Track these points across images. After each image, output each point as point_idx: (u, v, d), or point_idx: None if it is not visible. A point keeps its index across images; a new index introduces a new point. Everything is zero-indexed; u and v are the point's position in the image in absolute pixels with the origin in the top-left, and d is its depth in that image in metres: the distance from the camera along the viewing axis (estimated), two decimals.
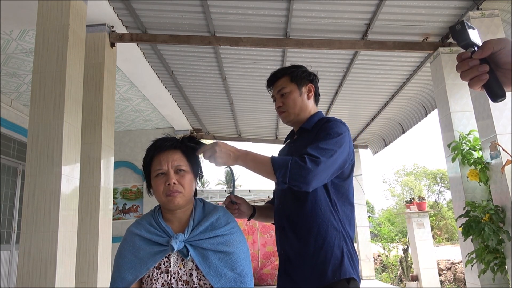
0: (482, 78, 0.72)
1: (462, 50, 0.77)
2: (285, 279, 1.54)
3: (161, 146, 1.34)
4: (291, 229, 1.54)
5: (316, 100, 1.73)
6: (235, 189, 1.63)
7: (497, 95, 0.73)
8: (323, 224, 1.47)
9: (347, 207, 1.54)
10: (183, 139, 1.39)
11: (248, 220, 1.71)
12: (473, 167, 3.37)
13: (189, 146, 1.38)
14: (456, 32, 0.77)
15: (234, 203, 1.60)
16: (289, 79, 1.66)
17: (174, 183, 1.28)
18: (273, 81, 1.71)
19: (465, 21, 0.77)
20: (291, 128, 1.78)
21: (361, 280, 7.90)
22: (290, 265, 1.53)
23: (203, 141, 1.47)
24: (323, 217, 1.48)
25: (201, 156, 1.39)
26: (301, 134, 1.66)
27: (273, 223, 1.74)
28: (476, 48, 0.74)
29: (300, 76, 1.67)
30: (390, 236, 11.22)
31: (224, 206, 1.56)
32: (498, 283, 3.16)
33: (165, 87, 5.54)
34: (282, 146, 1.83)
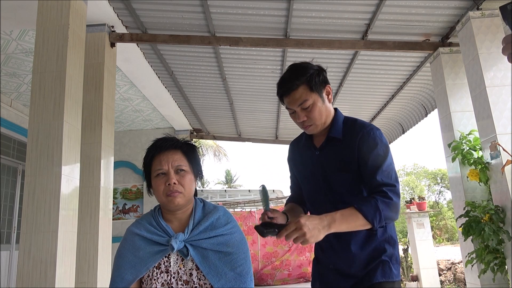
0: None
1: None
2: (335, 277, 1.55)
3: (162, 146, 1.33)
4: (341, 242, 1.52)
5: None
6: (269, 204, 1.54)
7: None
8: (373, 234, 1.49)
9: None
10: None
11: None
12: (473, 167, 3.37)
13: (189, 146, 1.38)
14: (507, 12, 0.76)
15: (271, 219, 1.51)
16: (309, 89, 1.47)
17: (175, 183, 1.28)
18: (287, 92, 1.49)
19: None
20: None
21: None
22: (340, 267, 1.54)
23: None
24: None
25: (202, 157, 1.37)
26: (329, 142, 1.54)
27: None
28: None
29: (319, 82, 1.50)
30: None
31: (261, 222, 1.52)
32: (498, 283, 3.16)
33: (165, 87, 5.53)
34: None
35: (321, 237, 1.26)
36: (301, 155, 1.67)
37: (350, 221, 1.32)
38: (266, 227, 1.30)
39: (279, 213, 1.53)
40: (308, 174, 1.63)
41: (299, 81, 1.48)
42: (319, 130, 1.54)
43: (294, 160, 1.73)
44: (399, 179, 1.79)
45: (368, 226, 1.34)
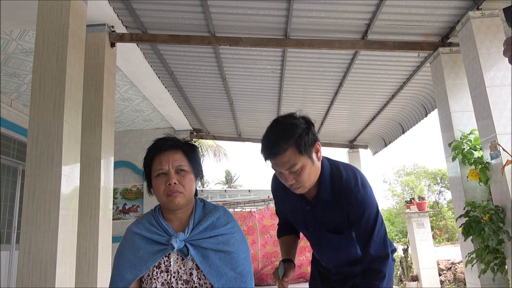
0: None
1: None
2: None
3: (162, 146, 1.33)
4: (341, 269, 1.67)
5: None
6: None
7: None
8: None
9: None
10: None
11: None
12: (473, 167, 3.37)
13: (189, 146, 1.38)
14: (510, 13, 0.77)
15: (287, 282, 1.62)
16: (298, 152, 1.35)
17: (175, 183, 1.28)
18: (273, 156, 1.37)
19: None
20: None
21: None
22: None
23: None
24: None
25: (201, 157, 1.41)
26: (319, 200, 1.51)
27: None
28: None
29: (308, 143, 1.37)
30: (390, 236, 11.21)
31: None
32: (498, 283, 3.16)
33: (165, 87, 5.53)
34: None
35: None
36: (290, 202, 1.61)
37: None
38: None
39: (290, 270, 1.62)
40: (299, 222, 1.65)
41: (287, 145, 1.34)
42: (307, 190, 1.47)
43: (281, 201, 1.70)
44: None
45: None
